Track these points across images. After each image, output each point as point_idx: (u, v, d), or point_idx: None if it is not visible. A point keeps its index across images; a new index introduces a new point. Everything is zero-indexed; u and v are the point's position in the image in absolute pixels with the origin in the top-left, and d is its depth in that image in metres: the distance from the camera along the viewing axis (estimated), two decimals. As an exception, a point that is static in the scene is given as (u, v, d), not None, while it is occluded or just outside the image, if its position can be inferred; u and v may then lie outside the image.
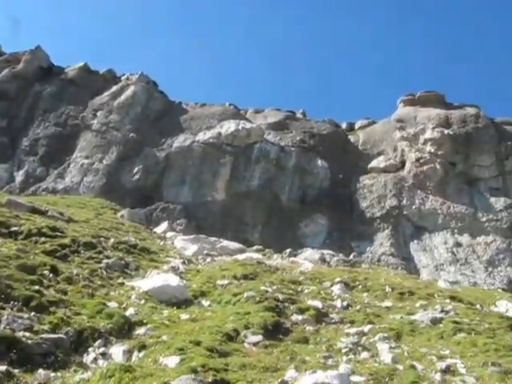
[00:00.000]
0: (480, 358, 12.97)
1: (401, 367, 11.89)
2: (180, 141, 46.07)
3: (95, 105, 50.17)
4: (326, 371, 10.85)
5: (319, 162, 44.91)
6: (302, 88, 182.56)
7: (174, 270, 22.47)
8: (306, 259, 31.26)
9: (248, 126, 46.60)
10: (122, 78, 54.51)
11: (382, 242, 40.32)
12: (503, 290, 37.12)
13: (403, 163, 45.41)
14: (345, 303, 19.46)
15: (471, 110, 48.77)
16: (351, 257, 36.83)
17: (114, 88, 52.03)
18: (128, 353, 12.38)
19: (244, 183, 43.38)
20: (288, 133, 47.24)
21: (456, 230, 41.67)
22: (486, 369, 12.13)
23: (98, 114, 49.09)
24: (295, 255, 33.08)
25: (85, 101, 50.44)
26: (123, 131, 47.30)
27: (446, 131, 45.50)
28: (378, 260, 38.91)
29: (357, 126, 51.71)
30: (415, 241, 41.13)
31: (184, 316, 15.82)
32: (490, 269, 39.87)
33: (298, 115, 51.40)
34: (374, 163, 45.66)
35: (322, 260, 33.46)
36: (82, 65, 54.25)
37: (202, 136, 46.23)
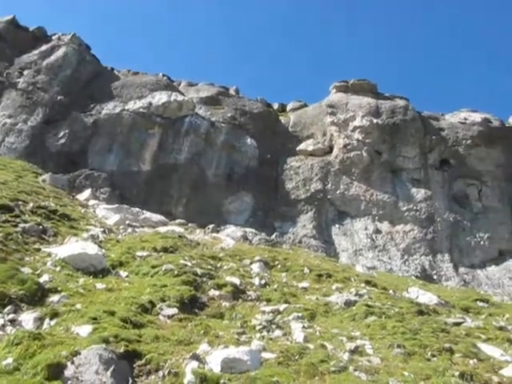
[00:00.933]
0: (387, 341, 13.39)
1: (311, 346, 12.11)
2: (109, 108, 44.98)
3: (22, 63, 48.15)
4: (238, 347, 10.94)
5: (248, 140, 44.96)
6: (237, 66, 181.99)
7: (94, 238, 21.99)
8: (228, 236, 31.32)
9: (180, 98, 46.02)
10: (53, 37, 52.42)
11: (305, 224, 40.89)
12: (416, 277, 38.48)
13: (331, 148, 46.07)
14: (263, 281, 19.64)
15: (401, 102, 49.85)
16: (273, 237, 37.16)
17: (44, 47, 50.01)
18: (39, 320, 12.01)
19: (172, 156, 42.91)
20: (220, 109, 46.97)
21: (377, 217, 42.76)
22: (391, 350, 12.55)
23: (25, 72, 47.18)
24: (218, 231, 33.10)
25: (10, 57, 48.26)
26: (51, 93, 45.70)
27: (374, 120, 46.40)
28: (300, 241, 39.45)
29: (288, 107, 52.00)
30: (337, 225, 41.96)
31: (100, 285, 15.53)
32: (405, 256, 41.18)
33: (231, 92, 51.19)
34: (302, 146, 46.12)
35: (244, 238, 33.62)
36: (10, 18, 51.46)
37: (133, 105, 45.31)
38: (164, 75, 51.31)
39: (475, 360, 13.21)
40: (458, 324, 20.15)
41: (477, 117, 50.31)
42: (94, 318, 11.80)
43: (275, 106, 52.21)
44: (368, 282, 24.14)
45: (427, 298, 25.38)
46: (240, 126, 45.95)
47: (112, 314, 12.28)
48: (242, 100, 49.62)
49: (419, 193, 44.21)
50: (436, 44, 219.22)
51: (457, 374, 10.85)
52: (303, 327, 14.34)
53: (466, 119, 49.91)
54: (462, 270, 42.00)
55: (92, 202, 34.20)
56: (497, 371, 12.40)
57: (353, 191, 43.49)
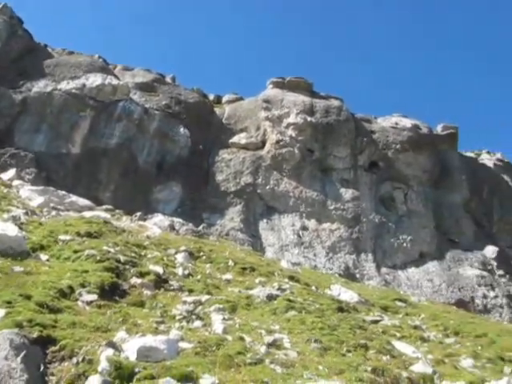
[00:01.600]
0: (305, 335, 13.60)
1: (230, 338, 12.15)
2: (40, 86, 43.51)
3: None
4: (155, 336, 10.84)
5: (182, 129, 44.54)
6: (174, 55, 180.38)
7: (15, 219, 21.34)
8: (156, 225, 31.04)
9: (115, 82, 45.10)
10: (-19, 6, 50.08)
11: (233, 216, 40.95)
12: (340, 275, 39.21)
13: (264, 143, 46.25)
14: (186, 272, 19.56)
15: (335, 102, 50.52)
16: (200, 228, 37.07)
17: (-29, 16, 47.87)
18: (-51, 303, 11.55)
19: (102, 140, 41.92)
20: (154, 95, 46.31)
21: (304, 214, 43.27)
22: (308, 345, 12.75)
23: (-51, 42, 45.08)
24: (145, 219, 32.74)
25: None
26: (-23, 66, 43.87)
27: (308, 118, 46.88)
28: (227, 234, 39.48)
29: (224, 99, 51.85)
30: (265, 220, 42.21)
31: (18, 268, 15.03)
32: (330, 254, 41.88)
33: (168, 80, 50.58)
34: (235, 139, 46.11)
35: (171, 227, 33.40)
36: None
37: (65, 85, 44.00)
38: (100, 57, 50.08)
39: (388, 356, 13.61)
40: (375, 322, 20.69)
41: (407, 122, 51.65)
42: (9, 302, 11.41)
43: (211, 97, 51.96)
44: (291, 278, 24.43)
45: (348, 295, 25.93)
46: (174, 114, 45.46)
47: (28, 297, 11.93)
48: (177, 88, 49.13)
49: (347, 193, 45.03)
50: (373, 47, 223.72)
51: (369, 369, 11.13)
52: (223, 319, 14.37)
53: (397, 124, 51.15)
54: (383, 270, 43.07)
55: (16, 182, 33.19)
56: (407, 367, 12.80)
57: (282, 187, 43.84)
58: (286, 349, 12.13)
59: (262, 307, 16.85)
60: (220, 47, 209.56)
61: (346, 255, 42.38)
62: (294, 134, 45.82)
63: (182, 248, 23.50)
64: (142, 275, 16.96)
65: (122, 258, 17.90)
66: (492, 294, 44.35)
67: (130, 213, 32.98)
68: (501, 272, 46.99)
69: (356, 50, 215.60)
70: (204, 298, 16.54)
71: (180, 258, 21.99)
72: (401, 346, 16.31)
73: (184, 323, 13.54)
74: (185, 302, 15.74)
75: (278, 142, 45.43)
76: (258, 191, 43.24)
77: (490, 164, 56.22)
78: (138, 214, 32.96)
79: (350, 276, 40.17)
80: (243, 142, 45.90)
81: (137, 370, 9.01)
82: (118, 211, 32.68)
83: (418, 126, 51.55)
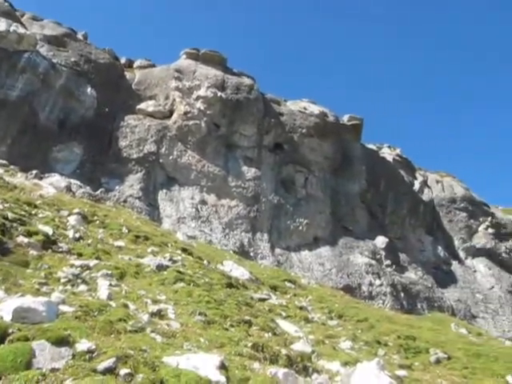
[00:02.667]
0: (191, 307, 13.60)
1: (114, 304, 11.95)
2: None
3: None
4: (35, 297, 10.49)
5: (89, 89, 43.08)
6: (88, 10, 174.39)
7: None
8: (52, 185, 30.10)
9: (21, 30, 42.80)
10: None
11: (133, 184, 40.22)
12: (234, 252, 39.59)
13: (171, 113, 45.62)
14: (77, 235, 19.07)
15: (247, 81, 50.46)
16: (98, 192, 36.27)
17: None
18: None
19: (2, 91, 39.76)
20: (63, 51, 44.40)
21: (205, 189, 43.20)
22: (193, 317, 12.77)
23: None
24: (41, 178, 31.65)
25: None
26: None
27: (219, 93, 46.60)
28: (125, 201, 38.78)
29: (136, 64, 50.59)
30: (164, 190, 41.78)
31: None
32: (227, 231, 42.10)
33: (79, 36, 48.63)
34: (143, 105, 45.18)
35: (68, 189, 32.49)
36: None
37: (-35, 28, 41.41)
38: (6, 0, 47.12)
39: (270, 334, 13.87)
40: (263, 300, 21.07)
41: (315, 109, 52.48)
42: None
43: (123, 60, 50.52)
44: (184, 250, 24.42)
45: (240, 272, 26.24)
46: (82, 73, 43.85)
47: None
48: (88, 47, 47.38)
49: (249, 171, 45.30)
50: (291, 32, 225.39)
51: (250, 344, 11.28)
52: (110, 285, 14.13)
53: (305, 109, 51.85)
54: (277, 250, 43.82)
55: None
56: (288, 345, 13.11)
57: (185, 159, 43.49)
58: (169, 319, 12.08)
59: (151, 276, 16.73)
60: (138, 9, 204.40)
61: (242, 233, 42.74)
62: (202, 108, 45.47)
63: (76, 210, 22.90)
64: (29, 234, 16.36)
65: (9, 215, 17.20)
66: (378, 282, 46.21)
67: (26, 170, 31.77)
68: (388, 262, 49.03)
69: (276, 33, 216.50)
70: (92, 262, 16.20)
71: (72, 220, 21.42)
72: (284, 325, 16.69)
73: (68, 286, 13.20)
74: (72, 266, 15.35)
75: (185, 113, 44.93)
76: (161, 161, 42.67)
77: (390, 158, 58.25)
78: (35, 171, 31.79)
79: (244, 254, 40.62)
80: (151, 109, 45.06)
81: (10, 330, 8.67)
82: (12, 167, 31.40)
83: (325, 113, 52.50)
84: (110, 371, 7.83)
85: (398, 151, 60.97)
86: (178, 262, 19.93)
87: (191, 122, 44.57)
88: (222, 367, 8.78)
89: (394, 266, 49.49)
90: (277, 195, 45.96)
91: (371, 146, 59.06)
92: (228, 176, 44.30)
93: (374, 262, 47.72)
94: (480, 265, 56.64)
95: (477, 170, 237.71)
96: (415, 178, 59.15)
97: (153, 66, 50.81)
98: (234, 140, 46.24)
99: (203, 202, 42.49)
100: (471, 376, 17.16)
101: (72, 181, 35.00)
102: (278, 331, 14.95)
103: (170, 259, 19.94)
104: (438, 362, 19.01)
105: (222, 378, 8.38)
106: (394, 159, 58.43)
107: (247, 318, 14.45)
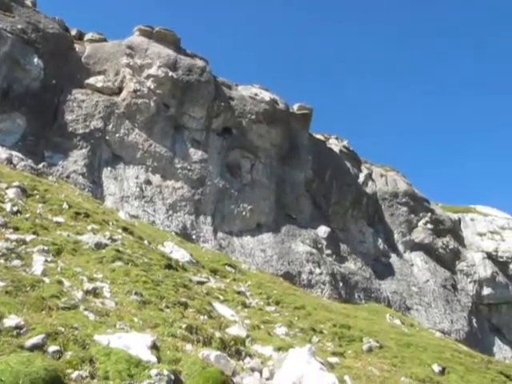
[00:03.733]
0: (127, 287, 13.50)
1: (48, 280, 11.76)
2: None
3: None
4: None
5: (36, 59, 41.67)
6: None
7: None
8: (-9, 155, 29.31)
9: (-34, -6, 41.22)
10: None
11: (77, 159, 39.39)
12: (176, 234, 39.43)
13: (120, 90, 44.75)
14: (15, 208, 18.67)
15: (200, 62, 49.91)
16: (40, 166, 35.50)
17: None
18: None
19: None
20: (10, 16, 42.70)
21: (150, 169, 42.74)
22: (128, 296, 12.67)
23: None
24: (-20, 148, 30.74)
25: None
26: None
27: (170, 73, 46.01)
28: (68, 176, 37.98)
29: (86, 37, 49.26)
30: (109, 168, 41.11)
31: None
32: (170, 212, 41.86)
33: (27, 2, 47.00)
34: (91, 80, 44.16)
35: (9, 161, 31.77)
36: None
37: None
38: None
39: (206, 316, 13.90)
40: (201, 283, 21.09)
41: (266, 95, 52.45)
42: None
43: (73, 31, 49.09)
44: (125, 229, 24.18)
45: (180, 254, 26.20)
46: (29, 42, 42.38)
47: None
48: (37, 15, 45.82)
49: (196, 154, 45.02)
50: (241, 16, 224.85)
51: (184, 326, 11.27)
52: (45, 261, 13.91)
53: (256, 95, 51.76)
54: (220, 234, 43.85)
55: None
56: (223, 329, 13.16)
57: (132, 138, 42.84)
58: (104, 298, 11.97)
59: (89, 254, 16.51)
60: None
61: (185, 215, 42.57)
62: (152, 86, 44.82)
63: (15, 183, 22.41)
64: (-37, 205, 15.93)
65: None
66: (318, 270, 46.84)
67: (-37, 138, 30.76)
68: (329, 251, 49.73)
69: (235, 18, 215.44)
70: (29, 237, 15.90)
71: (11, 193, 20.95)
72: (221, 309, 16.75)
73: (1, 261, 12.91)
74: (7, 240, 15.02)
75: (135, 91, 44.20)
76: (107, 138, 41.91)
77: (337, 149, 58.82)
78: (-27, 141, 30.84)
79: (186, 236, 40.50)
80: (99, 84, 44.11)
81: None
82: (-51, 134, 30.36)
83: (276, 100, 52.57)
84: (38, 348, 7.72)
85: (345, 143, 61.59)
86: (118, 241, 19.73)
87: (140, 101, 43.89)
88: (154, 347, 8.77)
89: (334, 256, 50.23)
90: (222, 179, 45.88)
91: (319, 136, 59.48)
92: (174, 157, 43.92)
93: (315, 250, 48.30)
94: (417, 259, 58.07)
95: (420, 166, 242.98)
96: (360, 171, 59.96)
97: (104, 40, 49.67)
98: (183, 121, 45.80)
99: (148, 182, 42.07)
100: (400, 364, 17.69)
101: (13, 153, 34.15)
102: (214, 314, 14.99)
103: (110, 238, 19.70)
104: (370, 350, 19.49)
105: (153, 358, 8.36)
106: (340, 151, 59.05)
107: (184, 299, 14.43)
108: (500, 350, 58.37)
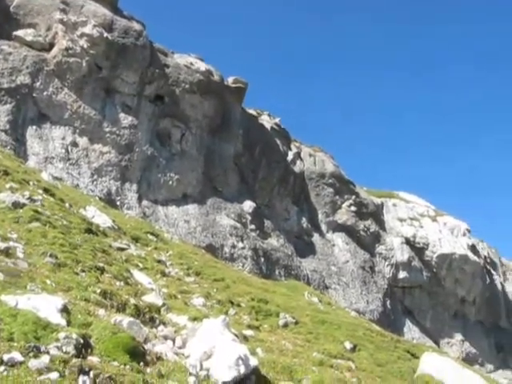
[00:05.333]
0: (43, 249, 13.15)
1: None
2: None
3: None
4: None
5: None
6: None
7: None
8: None
9: None
10: None
11: (0, 115, 37.96)
12: (100, 199, 38.77)
13: (51, 46, 43.05)
14: None
15: (136, 26, 48.67)
16: (-40, 118, 34.00)
17: None
18: None
19: None
20: None
21: (78, 131, 41.65)
22: (43, 258, 12.37)
23: None
24: None
25: None
26: None
27: (105, 34, 44.65)
28: (-12, 132, 36.60)
29: (18, -13, 47.15)
30: (34, 126, 39.77)
31: None
32: (95, 176, 41.08)
33: None
34: (20, 32, 42.22)
35: None
36: None
37: None
38: None
39: (122, 283, 13.78)
40: (121, 249, 20.87)
41: (202, 66, 51.88)
42: None
43: (3, -20, 46.93)
44: (46, 190, 23.56)
45: (102, 219, 25.80)
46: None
47: None
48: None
49: (126, 119, 44.13)
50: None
51: (98, 291, 11.13)
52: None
53: (192, 64, 51.13)
54: (145, 202, 43.45)
55: None
56: (139, 296, 13.08)
57: (61, 97, 41.50)
58: (17, 258, 11.64)
59: (5, 213, 16.02)
60: None
61: (110, 180, 41.86)
62: (85, 46, 43.38)
63: None
64: None
65: None
66: (240, 244, 47.24)
67: None
68: (252, 226, 50.17)
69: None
70: None
71: None
72: (139, 276, 16.64)
73: None
74: None
75: (67, 49, 42.68)
76: (34, 95, 40.43)
77: (268, 126, 59.00)
78: None
79: (110, 202, 39.90)
80: (29, 38, 42.30)
81: None
82: None
83: (211, 71, 52.10)
84: None
85: (276, 120, 61.83)
86: (38, 202, 19.20)
87: (72, 59, 42.41)
88: (65, 310, 8.61)
89: (257, 232, 50.72)
90: (151, 147, 45.27)
91: (252, 112, 59.47)
92: (104, 121, 42.90)
93: (239, 225, 48.62)
94: (339, 239, 59.42)
95: (348, 150, 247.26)
96: (290, 149, 60.45)
97: (36, -8, 47.60)
98: (115, 85, 44.68)
99: (74, 144, 41.01)
100: (314, 340, 18.16)
101: None
102: (131, 281, 14.88)
103: (29, 198, 19.15)
104: (285, 325, 19.92)
105: (63, 321, 8.22)
106: (271, 128, 59.27)
107: (101, 265, 14.24)
108: (409, 330, 60.87)
